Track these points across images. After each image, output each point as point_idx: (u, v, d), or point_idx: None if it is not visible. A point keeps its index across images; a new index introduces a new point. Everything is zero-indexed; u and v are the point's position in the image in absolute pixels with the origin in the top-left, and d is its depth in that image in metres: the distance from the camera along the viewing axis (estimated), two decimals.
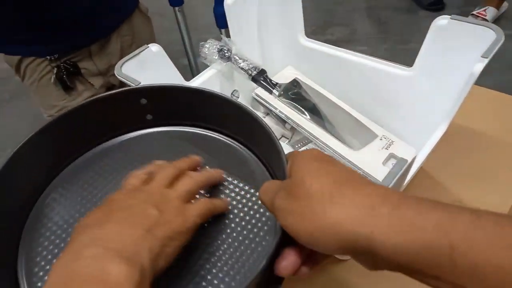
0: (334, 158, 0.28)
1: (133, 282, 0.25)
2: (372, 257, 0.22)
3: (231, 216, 0.36)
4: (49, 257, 0.35)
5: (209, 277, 0.32)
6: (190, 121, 0.44)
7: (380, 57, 0.61)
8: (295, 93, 0.65)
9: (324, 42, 0.67)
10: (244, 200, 0.37)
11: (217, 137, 0.43)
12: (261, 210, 0.36)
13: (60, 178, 0.41)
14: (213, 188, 0.38)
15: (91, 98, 0.41)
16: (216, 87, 0.67)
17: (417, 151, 0.48)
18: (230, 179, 0.39)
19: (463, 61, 0.49)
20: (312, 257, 0.28)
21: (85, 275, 0.24)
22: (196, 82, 0.64)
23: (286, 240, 0.27)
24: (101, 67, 0.88)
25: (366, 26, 2.13)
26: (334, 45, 0.65)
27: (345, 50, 0.64)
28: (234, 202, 0.37)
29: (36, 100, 0.90)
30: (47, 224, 0.37)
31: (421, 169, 0.59)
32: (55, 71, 0.82)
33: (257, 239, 0.34)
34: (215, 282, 0.32)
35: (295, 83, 0.67)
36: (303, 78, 0.69)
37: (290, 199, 0.25)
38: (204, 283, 0.32)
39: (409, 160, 0.34)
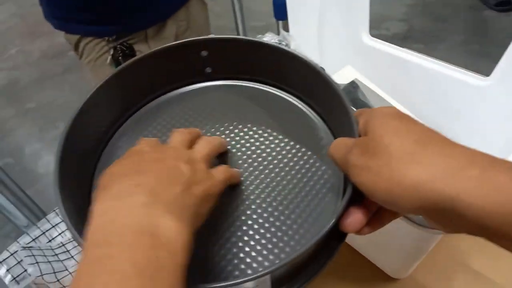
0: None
1: (183, 241, 0.24)
2: (454, 219, 0.22)
3: (290, 175, 0.35)
4: None
5: (268, 235, 0.32)
6: (249, 76, 0.43)
7: (437, 57, 0.56)
8: (353, 96, 0.62)
9: (379, 37, 0.63)
10: (303, 159, 0.36)
11: (276, 93, 0.42)
12: (322, 168, 0.35)
13: (124, 127, 0.42)
14: (270, 146, 0.37)
15: (155, 49, 0.40)
16: None
17: None
18: (287, 138, 0.38)
19: None
20: (377, 216, 0.28)
21: (134, 225, 0.23)
22: None
23: (353, 198, 0.27)
24: None
25: (424, 23, 2.02)
26: (389, 41, 0.61)
27: (412, 52, 0.60)
28: (292, 162, 0.36)
29: (92, 78, 0.92)
30: None
31: None
32: (111, 52, 0.83)
33: (318, 196, 0.33)
34: (278, 237, 0.31)
35: (354, 84, 0.64)
36: (363, 80, 0.66)
37: (366, 156, 0.25)
38: (265, 240, 0.31)
39: None
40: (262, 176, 0.35)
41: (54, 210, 0.65)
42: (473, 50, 1.72)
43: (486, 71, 0.53)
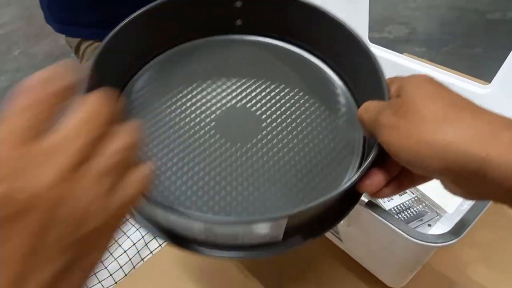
0: None
1: None
2: (480, 182, 0.22)
3: (311, 135, 0.36)
4: None
5: (289, 185, 0.33)
6: (280, 34, 0.42)
7: (440, 61, 0.56)
8: None
9: (381, 40, 0.62)
10: (325, 121, 0.37)
11: (304, 54, 0.42)
12: (342, 131, 0.36)
13: (148, 67, 0.41)
14: (292, 109, 0.38)
15: None
16: None
17: None
18: (311, 100, 0.38)
19: None
20: (398, 180, 0.29)
21: None
22: None
23: (376, 160, 0.28)
24: None
25: (427, 26, 2.01)
26: (391, 44, 0.61)
27: (411, 58, 0.60)
28: (314, 123, 0.37)
29: None
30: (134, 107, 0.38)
31: None
32: None
33: (338, 157, 0.34)
34: (298, 187, 0.33)
35: None
36: None
37: (398, 116, 0.25)
38: (285, 188, 0.32)
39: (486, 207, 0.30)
40: (284, 133, 0.36)
41: None
42: (476, 54, 1.71)
43: (489, 76, 0.52)
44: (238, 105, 0.38)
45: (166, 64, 0.41)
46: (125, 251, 0.59)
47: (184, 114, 0.37)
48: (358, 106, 0.34)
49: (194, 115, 0.37)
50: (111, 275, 0.58)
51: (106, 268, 0.58)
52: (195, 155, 0.34)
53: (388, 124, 0.26)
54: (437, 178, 0.25)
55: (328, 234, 0.52)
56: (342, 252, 0.52)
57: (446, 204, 0.48)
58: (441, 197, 0.49)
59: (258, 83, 0.39)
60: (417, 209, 0.51)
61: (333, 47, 0.39)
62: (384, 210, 0.30)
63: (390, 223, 0.29)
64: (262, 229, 0.28)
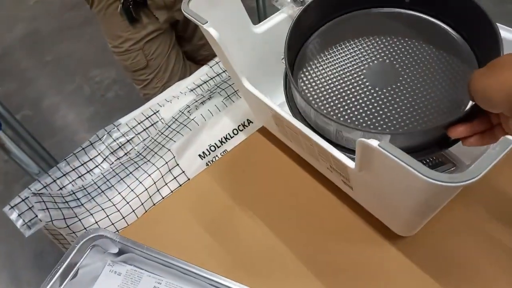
0: None
1: None
2: None
3: (434, 84, 0.46)
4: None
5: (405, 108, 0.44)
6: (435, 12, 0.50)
7: None
8: None
9: None
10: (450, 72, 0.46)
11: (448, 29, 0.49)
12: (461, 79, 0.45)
13: (319, 32, 0.54)
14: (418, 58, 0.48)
15: None
16: (285, 34, 0.62)
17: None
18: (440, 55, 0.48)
19: None
20: (481, 134, 0.35)
21: None
22: (263, 28, 0.59)
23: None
24: (167, 0, 0.85)
25: None
26: None
27: None
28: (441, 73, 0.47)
29: (102, 28, 0.91)
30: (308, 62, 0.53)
31: None
32: (122, 0, 0.80)
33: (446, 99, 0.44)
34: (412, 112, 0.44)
35: None
36: None
37: (488, 68, 0.32)
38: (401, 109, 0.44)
39: None
40: (414, 77, 0.47)
41: (65, 159, 0.66)
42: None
43: None
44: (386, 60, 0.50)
45: (336, 25, 0.54)
46: (137, 196, 0.60)
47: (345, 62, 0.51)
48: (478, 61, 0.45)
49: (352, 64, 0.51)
50: (123, 217, 0.59)
51: (118, 211, 0.59)
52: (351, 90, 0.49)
53: (479, 73, 0.32)
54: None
55: (339, 183, 0.51)
56: (353, 201, 0.51)
57: (464, 154, 0.47)
58: (459, 149, 0.47)
59: (403, 44, 0.51)
60: (434, 159, 0.49)
61: (466, 19, 0.47)
62: (397, 149, 0.29)
63: (402, 161, 0.28)
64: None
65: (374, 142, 0.31)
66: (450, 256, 0.46)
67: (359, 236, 0.49)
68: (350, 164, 0.40)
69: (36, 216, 0.59)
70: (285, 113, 0.46)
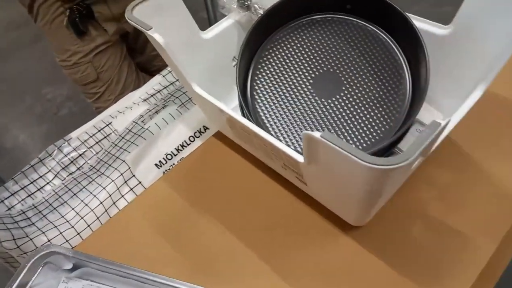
0: None
1: None
2: None
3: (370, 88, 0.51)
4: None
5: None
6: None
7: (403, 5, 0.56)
8: None
9: None
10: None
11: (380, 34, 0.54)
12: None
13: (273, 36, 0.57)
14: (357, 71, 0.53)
15: None
16: (233, 39, 0.63)
17: (446, 118, 0.44)
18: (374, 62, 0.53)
19: (507, 25, 0.43)
20: None
21: None
22: (211, 33, 0.60)
23: None
24: (115, 12, 0.84)
25: None
26: None
27: None
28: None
29: (49, 43, 0.88)
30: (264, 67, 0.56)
31: (447, 137, 0.56)
32: (67, 13, 0.79)
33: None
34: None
35: None
36: None
37: None
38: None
39: (443, 124, 0.30)
40: (355, 87, 0.52)
41: (13, 178, 0.63)
42: (446, 12, 1.71)
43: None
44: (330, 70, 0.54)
45: (288, 32, 0.57)
46: (92, 210, 0.59)
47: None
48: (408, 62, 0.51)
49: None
50: (78, 233, 0.57)
51: (73, 227, 0.57)
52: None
53: None
54: None
55: (294, 180, 0.52)
56: (308, 197, 0.53)
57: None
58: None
59: (345, 51, 0.54)
60: None
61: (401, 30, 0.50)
62: (338, 138, 0.30)
63: (342, 149, 0.30)
64: None
65: (317, 134, 0.32)
66: (403, 241, 0.48)
67: (316, 230, 0.50)
68: (300, 158, 0.41)
69: None
70: (237, 115, 0.46)
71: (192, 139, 0.69)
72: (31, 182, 0.64)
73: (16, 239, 0.54)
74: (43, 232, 0.56)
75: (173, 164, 0.66)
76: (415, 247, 0.47)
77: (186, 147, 0.68)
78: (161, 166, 0.66)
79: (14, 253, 0.55)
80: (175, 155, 0.67)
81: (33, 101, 1.69)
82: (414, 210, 0.50)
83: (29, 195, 0.63)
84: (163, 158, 0.66)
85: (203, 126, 0.70)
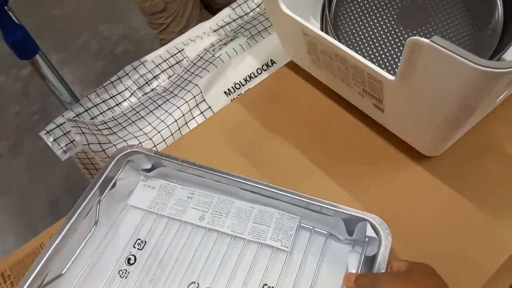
0: None
1: None
2: None
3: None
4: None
5: None
6: None
7: None
8: None
9: None
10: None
11: None
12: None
13: None
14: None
15: None
16: None
17: None
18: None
19: None
20: None
21: None
22: None
23: None
24: None
25: None
26: None
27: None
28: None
29: None
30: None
31: None
32: None
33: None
34: None
35: None
36: None
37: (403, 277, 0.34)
38: None
39: None
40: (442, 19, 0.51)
41: (95, 91, 0.68)
42: None
43: None
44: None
45: None
46: (167, 126, 0.62)
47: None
48: None
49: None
50: (155, 145, 0.61)
51: (150, 139, 0.61)
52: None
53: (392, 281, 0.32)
54: None
55: (369, 109, 0.53)
56: (381, 127, 0.54)
57: None
58: None
59: None
60: None
61: None
62: (449, 42, 0.31)
63: (455, 53, 0.30)
64: None
65: (425, 40, 0.32)
66: (474, 174, 0.49)
67: (387, 158, 0.52)
68: (389, 76, 0.42)
69: (72, 141, 0.61)
70: (324, 34, 0.47)
71: (259, 71, 0.70)
72: (111, 97, 0.68)
73: (101, 144, 0.59)
74: (125, 140, 0.60)
75: (241, 93, 0.68)
76: (487, 180, 0.48)
77: (253, 78, 0.70)
78: (229, 94, 0.68)
79: (98, 156, 0.60)
80: (243, 85, 0.69)
81: (89, 38, 1.74)
82: (487, 146, 0.51)
83: (109, 108, 0.68)
84: (232, 87, 0.68)
85: (271, 60, 0.71)
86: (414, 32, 0.52)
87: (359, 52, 0.54)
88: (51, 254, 0.43)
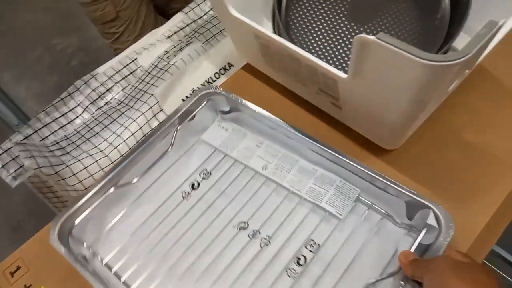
0: None
1: None
2: None
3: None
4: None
5: None
6: None
7: None
8: None
9: None
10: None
11: None
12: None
13: None
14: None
15: None
16: None
17: None
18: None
19: None
20: None
21: None
22: None
23: None
24: None
25: None
26: None
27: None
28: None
29: None
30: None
31: (479, 66, 0.55)
32: None
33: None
34: None
35: None
36: None
37: (460, 271, 0.32)
38: None
39: (500, 23, 0.30)
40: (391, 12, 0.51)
41: (44, 110, 0.64)
42: None
43: None
44: None
45: None
46: (124, 140, 0.60)
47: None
48: None
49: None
50: (112, 162, 0.58)
51: (107, 156, 0.58)
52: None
53: (448, 273, 0.31)
54: None
55: (327, 106, 0.53)
56: (340, 124, 0.53)
57: None
58: None
59: None
60: None
61: None
62: (393, 38, 0.30)
63: (399, 48, 0.30)
64: None
65: (370, 36, 0.32)
66: (434, 162, 0.49)
67: (348, 154, 0.51)
68: (342, 75, 0.41)
69: (21, 166, 0.57)
70: (276, 36, 0.46)
71: (217, 75, 0.69)
72: (62, 115, 0.65)
73: (53, 166, 0.56)
74: (79, 160, 0.57)
75: None
76: (445, 167, 0.49)
77: (211, 83, 0.68)
78: None
79: (52, 180, 0.56)
80: None
81: (43, 52, 1.67)
82: (445, 134, 0.51)
83: (61, 127, 0.64)
84: (190, 94, 0.67)
85: (228, 63, 0.70)
86: (366, 27, 0.52)
87: (313, 51, 0.53)
88: (127, 163, 0.49)
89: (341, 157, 0.44)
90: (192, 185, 0.51)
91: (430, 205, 0.40)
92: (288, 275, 0.42)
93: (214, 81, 0.68)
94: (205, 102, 0.55)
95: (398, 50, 0.30)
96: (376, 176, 0.42)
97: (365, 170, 0.43)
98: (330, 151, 0.45)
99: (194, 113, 0.54)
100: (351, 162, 0.44)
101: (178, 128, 0.53)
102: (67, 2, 1.72)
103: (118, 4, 0.86)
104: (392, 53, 0.31)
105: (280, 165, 0.49)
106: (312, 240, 0.44)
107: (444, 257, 0.34)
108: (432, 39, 0.49)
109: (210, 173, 0.52)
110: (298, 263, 0.43)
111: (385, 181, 0.42)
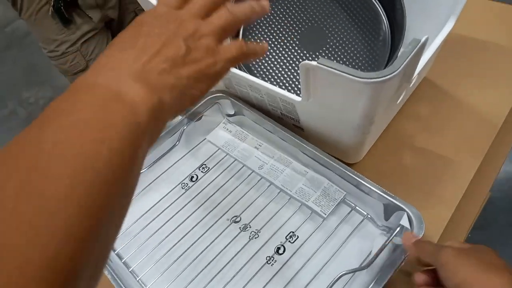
0: None
1: (150, 105, 0.24)
2: None
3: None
4: None
5: None
6: None
7: None
8: None
9: None
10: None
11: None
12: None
13: None
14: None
15: None
16: None
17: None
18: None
19: None
20: None
21: (102, 91, 0.24)
22: None
23: None
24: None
25: None
26: None
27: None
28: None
29: (35, 35, 0.89)
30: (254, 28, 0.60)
31: (424, 79, 0.61)
32: (52, 3, 0.80)
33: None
34: None
35: None
36: None
37: (480, 263, 0.32)
38: None
39: (422, 40, 0.35)
40: (338, 38, 0.57)
41: None
42: None
43: None
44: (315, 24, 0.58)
45: None
46: None
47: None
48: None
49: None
50: None
51: None
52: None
53: (466, 263, 0.32)
54: None
55: (292, 129, 0.56)
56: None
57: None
58: None
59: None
60: None
61: None
62: (333, 62, 0.35)
63: (337, 70, 0.34)
64: None
65: (313, 62, 0.36)
66: (395, 170, 0.53)
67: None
68: (297, 98, 0.45)
69: None
70: (234, 69, 0.50)
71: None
72: None
73: None
74: None
75: None
76: (406, 173, 0.52)
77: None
78: None
79: None
80: None
81: (16, 106, 1.68)
82: (402, 143, 0.55)
83: None
84: None
85: None
86: (317, 53, 0.57)
87: (272, 79, 0.58)
88: None
89: (331, 161, 0.48)
90: (192, 178, 0.56)
91: (404, 207, 0.43)
92: (268, 262, 0.46)
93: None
94: (212, 105, 0.59)
95: (338, 72, 0.34)
96: (362, 181, 0.46)
97: (351, 175, 0.47)
98: (320, 155, 0.49)
99: (201, 114, 0.59)
100: (339, 167, 0.48)
101: (185, 127, 0.58)
102: (35, 55, 1.75)
103: (86, 54, 0.89)
104: (333, 75, 0.35)
105: (275, 166, 0.54)
106: (296, 235, 0.48)
107: (452, 247, 0.35)
108: (378, 58, 0.54)
109: (209, 168, 0.56)
110: (278, 252, 0.47)
111: (369, 185, 0.46)
